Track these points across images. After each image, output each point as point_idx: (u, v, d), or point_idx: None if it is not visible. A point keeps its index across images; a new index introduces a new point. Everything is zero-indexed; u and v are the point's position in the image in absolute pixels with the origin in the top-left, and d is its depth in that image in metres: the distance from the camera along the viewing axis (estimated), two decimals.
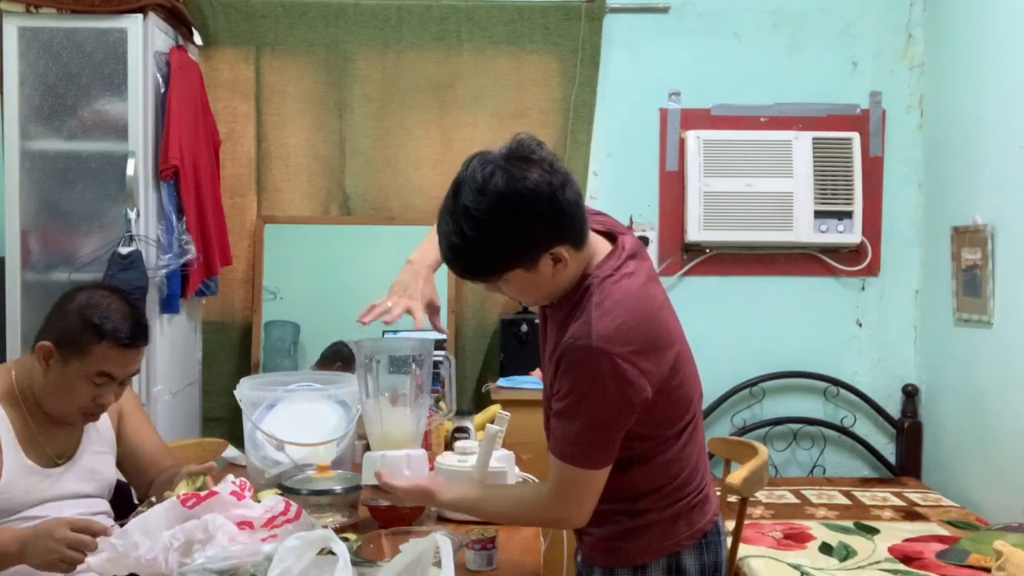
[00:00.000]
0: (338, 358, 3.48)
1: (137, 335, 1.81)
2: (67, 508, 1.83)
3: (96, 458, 1.94)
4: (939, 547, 2.88)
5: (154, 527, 1.55)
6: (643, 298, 1.58)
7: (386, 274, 3.61)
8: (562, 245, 1.54)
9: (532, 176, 1.49)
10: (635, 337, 1.53)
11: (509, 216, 1.48)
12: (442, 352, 2.06)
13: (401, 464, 1.82)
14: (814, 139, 3.72)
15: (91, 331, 1.76)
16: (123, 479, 2.07)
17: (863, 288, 3.89)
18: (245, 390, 2.34)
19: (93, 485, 1.92)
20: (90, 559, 1.57)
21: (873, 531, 3.08)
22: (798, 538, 3.01)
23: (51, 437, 1.86)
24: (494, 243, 1.51)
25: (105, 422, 1.97)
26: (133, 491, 2.10)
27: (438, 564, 1.48)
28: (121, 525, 1.75)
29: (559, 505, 1.61)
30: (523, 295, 1.65)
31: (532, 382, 3.27)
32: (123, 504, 2.04)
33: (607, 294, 1.55)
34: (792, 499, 3.46)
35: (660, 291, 1.67)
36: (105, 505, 1.97)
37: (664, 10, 3.82)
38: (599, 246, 1.64)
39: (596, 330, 1.51)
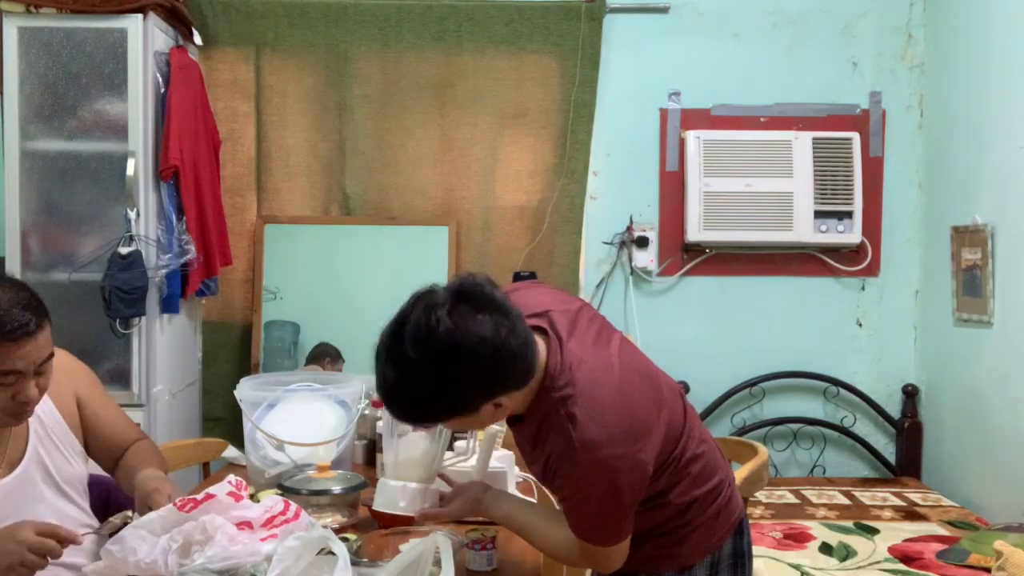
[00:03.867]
0: (326, 355, 3.57)
1: (25, 322, 1.55)
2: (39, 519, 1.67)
3: (51, 458, 1.78)
4: (939, 547, 2.88)
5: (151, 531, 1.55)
6: (602, 385, 1.51)
7: (386, 274, 3.68)
8: (504, 394, 1.48)
9: (477, 329, 1.40)
10: (617, 431, 1.48)
11: (446, 378, 1.42)
12: None
13: (395, 495, 1.82)
14: (814, 139, 3.72)
15: None
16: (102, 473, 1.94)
17: (863, 288, 3.89)
18: (245, 390, 2.35)
19: (51, 488, 1.77)
20: (87, 569, 1.55)
21: (873, 531, 3.07)
22: (798, 538, 3.01)
23: None
24: (430, 401, 1.46)
25: (54, 419, 1.79)
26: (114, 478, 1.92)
27: (438, 564, 1.48)
28: (98, 531, 1.70)
29: (587, 564, 1.67)
30: (464, 427, 1.66)
31: None
32: (105, 507, 1.91)
33: (574, 417, 1.48)
34: (792, 499, 3.46)
35: (610, 352, 1.57)
36: (79, 513, 1.82)
37: (664, 10, 3.82)
38: (538, 353, 1.52)
39: (579, 440, 1.47)
